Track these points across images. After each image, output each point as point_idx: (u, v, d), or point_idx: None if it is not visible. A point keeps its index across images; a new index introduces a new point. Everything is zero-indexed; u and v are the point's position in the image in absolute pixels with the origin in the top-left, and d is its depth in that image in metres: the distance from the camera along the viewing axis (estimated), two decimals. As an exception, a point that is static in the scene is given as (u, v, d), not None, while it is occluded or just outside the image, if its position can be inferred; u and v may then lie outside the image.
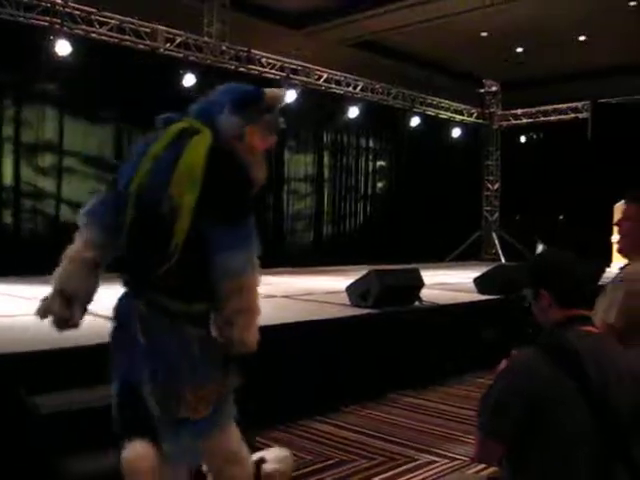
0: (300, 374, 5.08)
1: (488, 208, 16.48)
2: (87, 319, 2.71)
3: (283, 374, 4.97)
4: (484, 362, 6.74)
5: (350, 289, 6.31)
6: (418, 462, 4.22)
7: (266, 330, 4.99)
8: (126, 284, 2.64)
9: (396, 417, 5.20)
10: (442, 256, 14.55)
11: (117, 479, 2.50)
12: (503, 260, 14.99)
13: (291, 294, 7.34)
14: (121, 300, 2.64)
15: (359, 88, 12.98)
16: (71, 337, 3.99)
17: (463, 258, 15.05)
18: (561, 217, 15.96)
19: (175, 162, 2.47)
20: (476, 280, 7.83)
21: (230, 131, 2.61)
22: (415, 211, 14.41)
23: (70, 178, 9.79)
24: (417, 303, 6.65)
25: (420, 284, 6.68)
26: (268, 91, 2.76)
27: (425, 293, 6.83)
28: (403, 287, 6.48)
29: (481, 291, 7.65)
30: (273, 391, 4.82)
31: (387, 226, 14.27)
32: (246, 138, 2.64)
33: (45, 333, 2.87)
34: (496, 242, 15.91)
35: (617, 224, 3.30)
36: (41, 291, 2.63)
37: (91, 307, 2.71)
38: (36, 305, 2.61)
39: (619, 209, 11.46)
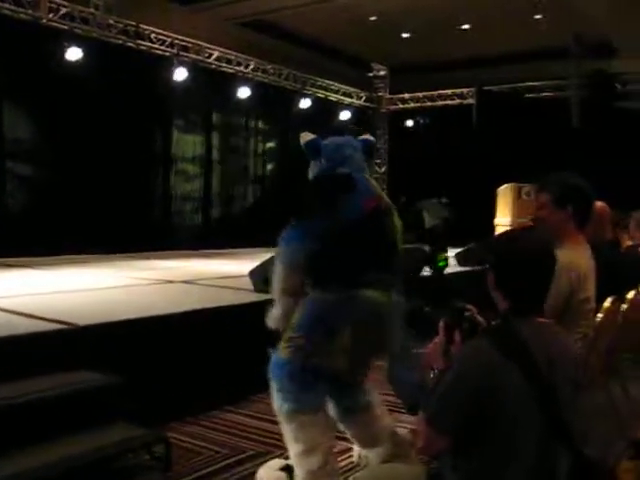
0: (207, 363, 4.92)
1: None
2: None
3: (189, 363, 4.80)
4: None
5: (253, 274, 6.15)
6: (336, 450, 4.16)
7: (171, 317, 4.85)
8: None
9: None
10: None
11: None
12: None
13: (190, 279, 7.11)
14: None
15: (250, 68, 12.74)
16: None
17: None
18: (443, 199, 16.35)
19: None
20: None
21: None
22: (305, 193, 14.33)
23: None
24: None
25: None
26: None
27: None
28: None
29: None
30: (180, 382, 4.64)
31: (277, 208, 14.10)
32: None
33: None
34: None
35: (534, 215, 3.36)
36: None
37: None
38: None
39: (502, 192, 11.84)
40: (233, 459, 3.96)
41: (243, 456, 4.00)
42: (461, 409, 2.01)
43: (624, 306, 3.71)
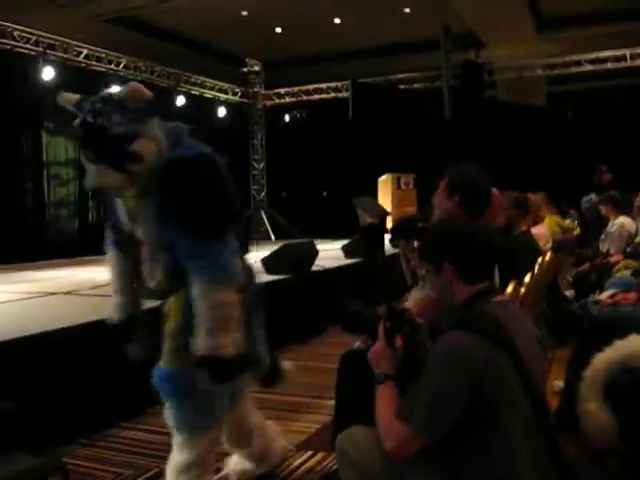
0: (98, 378, 4.64)
1: (255, 187, 16.56)
2: None
3: (79, 381, 4.51)
4: (279, 343, 6.75)
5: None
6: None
7: (64, 332, 4.54)
8: None
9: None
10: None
11: None
12: (273, 237, 15.20)
13: (73, 289, 6.73)
14: None
15: (122, 66, 12.30)
16: None
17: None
18: (325, 193, 16.45)
19: None
20: (264, 260, 7.73)
21: None
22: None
23: None
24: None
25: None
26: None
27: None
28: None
29: (269, 271, 7.56)
30: (71, 402, 4.36)
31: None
32: None
33: None
34: (265, 220, 16.05)
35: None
36: None
37: None
38: None
39: (382, 182, 11.98)
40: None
41: (149, 475, 3.78)
42: (455, 408, 1.91)
43: (522, 290, 3.79)
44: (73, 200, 12.38)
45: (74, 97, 2.80)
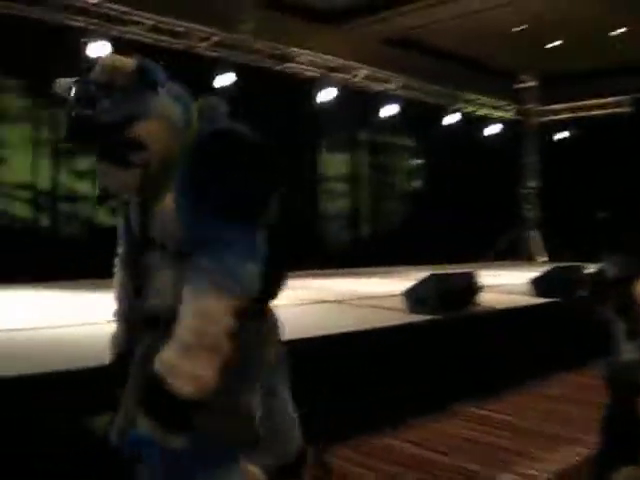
0: (358, 386, 4.80)
1: (528, 206, 16.08)
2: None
3: (341, 387, 4.69)
4: (546, 371, 6.48)
5: (408, 294, 6.01)
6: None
7: (328, 340, 4.77)
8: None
9: (462, 430, 4.88)
10: (478, 256, 14.07)
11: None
12: (546, 258, 14.70)
13: (343, 299, 7.05)
14: None
15: (397, 85, 12.69)
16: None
17: (501, 257, 14.68)
18: (601, 214, 15.49)
19: None
20: (534, 281, 7.50)
21: None
22: (450, 210, 13.97)
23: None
24: (473, 307, 6.37)
25: (477, 287, 6.41)
26: None
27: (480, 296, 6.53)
28: (461, 291, 6.20)
29: (539, 294, 7.31)
30: (334, 405, 4.54)
31: (424, 225, 13.83)
32: None
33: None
34: (535, 240, 15.57)
35: None
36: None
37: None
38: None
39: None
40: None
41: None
42: None
43: None
44: (346, 214, 13.02)
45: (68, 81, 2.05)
